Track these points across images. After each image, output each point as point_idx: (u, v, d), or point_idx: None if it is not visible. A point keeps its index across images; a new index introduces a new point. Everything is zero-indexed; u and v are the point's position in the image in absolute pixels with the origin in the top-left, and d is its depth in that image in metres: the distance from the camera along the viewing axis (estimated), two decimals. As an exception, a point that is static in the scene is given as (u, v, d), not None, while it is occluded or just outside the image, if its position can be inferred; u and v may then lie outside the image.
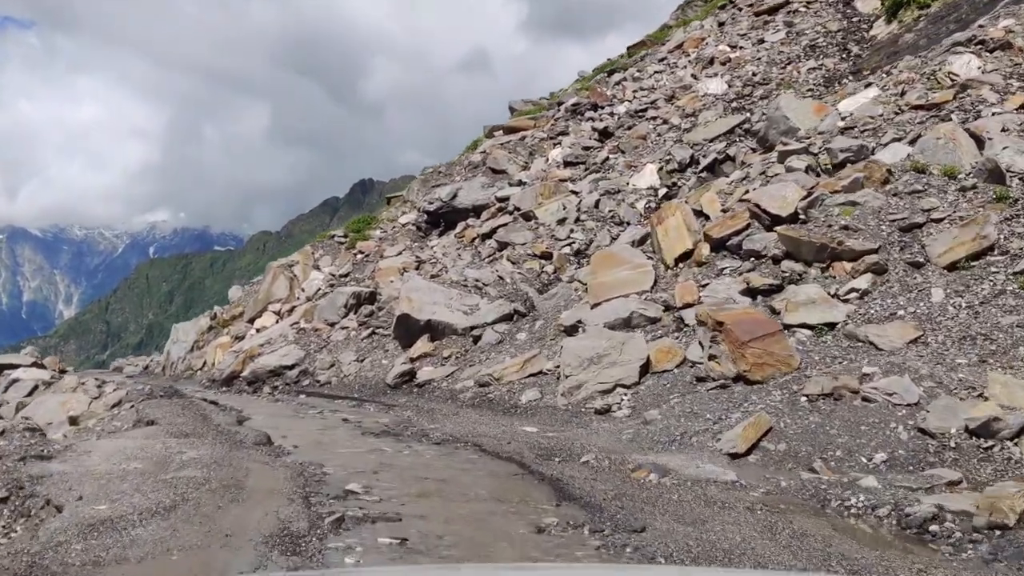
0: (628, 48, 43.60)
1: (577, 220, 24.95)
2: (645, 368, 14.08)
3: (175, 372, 36.90)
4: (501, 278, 22.29)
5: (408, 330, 21.33)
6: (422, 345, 20.69)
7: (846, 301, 13.13)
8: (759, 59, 30.74)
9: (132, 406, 16.85)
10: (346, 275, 31.97)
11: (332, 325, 25.73)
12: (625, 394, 13.65)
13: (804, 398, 10.82)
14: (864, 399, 10.33)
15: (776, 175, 17.52)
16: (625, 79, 35.37)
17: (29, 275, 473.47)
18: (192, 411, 15.80)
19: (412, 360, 20.49)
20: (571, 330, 16.86)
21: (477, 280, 22.39)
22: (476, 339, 20.15)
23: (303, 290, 34.41)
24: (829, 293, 13.45)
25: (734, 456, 9.99)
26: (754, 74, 29.83)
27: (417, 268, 27.81)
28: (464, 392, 17.06)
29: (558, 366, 15.36)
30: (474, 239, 28.47)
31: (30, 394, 25.83)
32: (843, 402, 10.43)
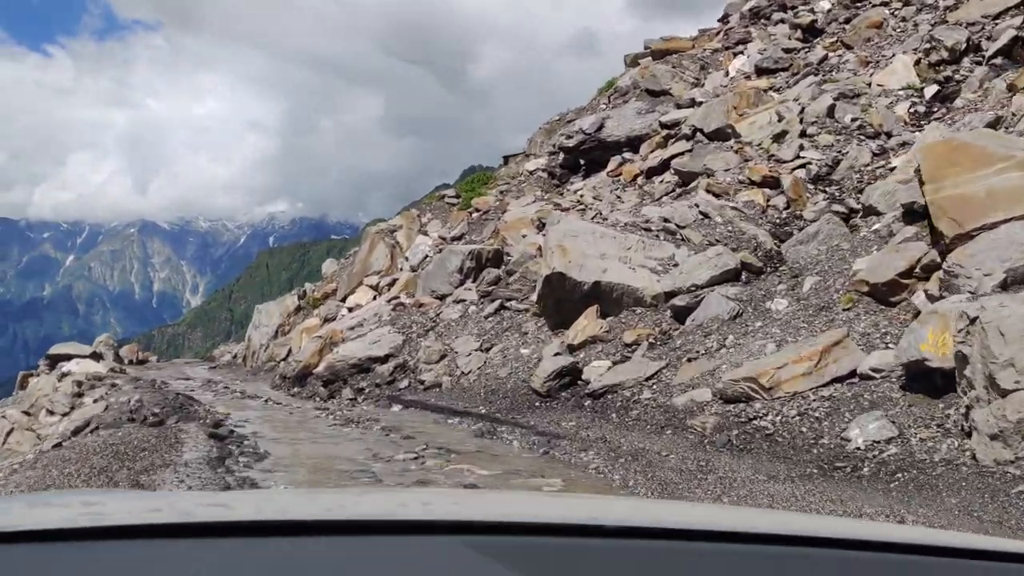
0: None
1: (804, 134, 16.16)
2: None
3: (256, 363, 29.84)
4: (705, 216, 13.71)
5: (561, 300, 13.10)
6: (587, 324, 12.40)
7: None
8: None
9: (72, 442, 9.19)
10: (459, 238, 24.06)
11: (442, 298, 17.79)
12: None
13: None
14: None
15: None
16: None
17: (158, 266, 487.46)
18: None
19: (572, 348, 12.26)
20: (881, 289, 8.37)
21: (667, 220, 13.88)
22: (680, 313, 11.76)
23: (406, 259, 26.71)
24: None
25: None
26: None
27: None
28: (693, 412, 8.65)
29: (924, 360, 6.83)
30: (636, 176, 20.03)
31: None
32: None
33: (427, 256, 25.57)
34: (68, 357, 27.21)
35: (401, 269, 26.77)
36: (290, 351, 27.97)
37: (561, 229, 13.51)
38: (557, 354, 12.15)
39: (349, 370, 16.16)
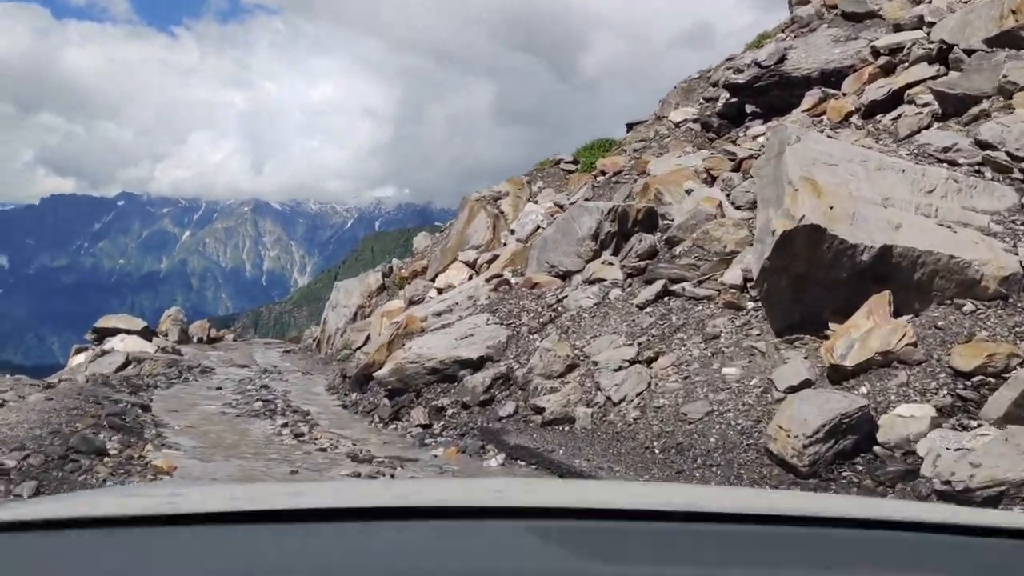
0: None
1: None
2: None
3: (331, 349, 24.68)
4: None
5: (807, 279, 6.98)
6: (869, 328, 6.27)
7: None
8: None
9: None
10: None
11: (566, 277, 11.90)
12: None
13: None
14: None
15: None
16: None
17: (269, 245, 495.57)
18: None
19: (839, 373, 6.21)
20: None
21: (990, 147, 7.56)
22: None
23: (512, 231, 20.98)
24: None
25: None
26: None
27: (738, 171, 13.43)
28: None
29: None
30: (849, 115, 13.69)
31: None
32: None
33: (539, 227, 19.78)
34: (116, 331, 22.39)
35: (505, 243, 21.13)
36: (368, 338, 22.61)
37: (806, 152, 7.29)
38: (805, 383, 6.11)
39: (425, 377, 10.43)
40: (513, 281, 12.98)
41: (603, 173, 20.22)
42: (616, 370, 8.30)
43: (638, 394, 7.77)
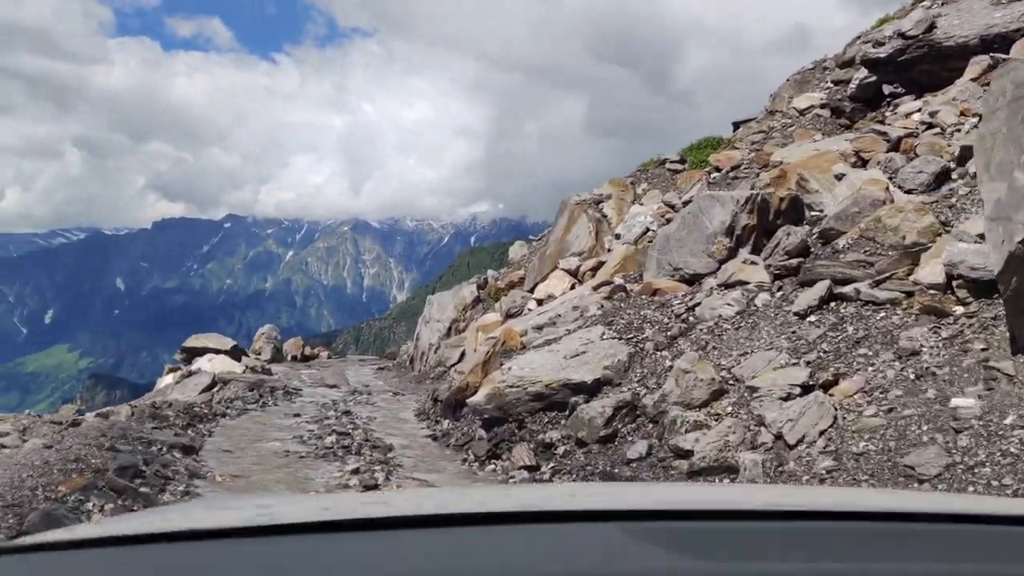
0: None
1: None
2: None
3: (425, 366, 23.18)
4: None
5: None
6: None
7: None
8: None
9: None
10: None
11: (693, 280, 9.84)
12: None
13: None
14: None
15: None
16: None
17: (369, 263, 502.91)
18: None
19: None
20: None
21: None
22: None
23: (617, 236, 19.14)
24: None
25: None
26: None
27: (897, 150, 11.10)
28: None
29: None
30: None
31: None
32: None
33: (647, 230, 17.78)
34: (205, 351, 21.32)
35: (609, 249, 19.21)
36: (463, 354, 20.93)
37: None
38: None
39: (528, 404, 8.53)
40: (629, 287, 10.96)
41: (717, 169, 18.20)
42: (784, 399, 6.22)
43: (822, 433, 5.68)
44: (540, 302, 18.80)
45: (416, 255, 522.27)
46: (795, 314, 7.71)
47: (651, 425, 7.20)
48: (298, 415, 11.91)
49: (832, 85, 18.68)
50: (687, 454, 6.21)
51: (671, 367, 7.85)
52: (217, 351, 20.90)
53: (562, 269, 19.23)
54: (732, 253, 9.85)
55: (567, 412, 8.17)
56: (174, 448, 6.86)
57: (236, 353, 21.12)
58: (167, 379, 20.28)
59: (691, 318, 8.91)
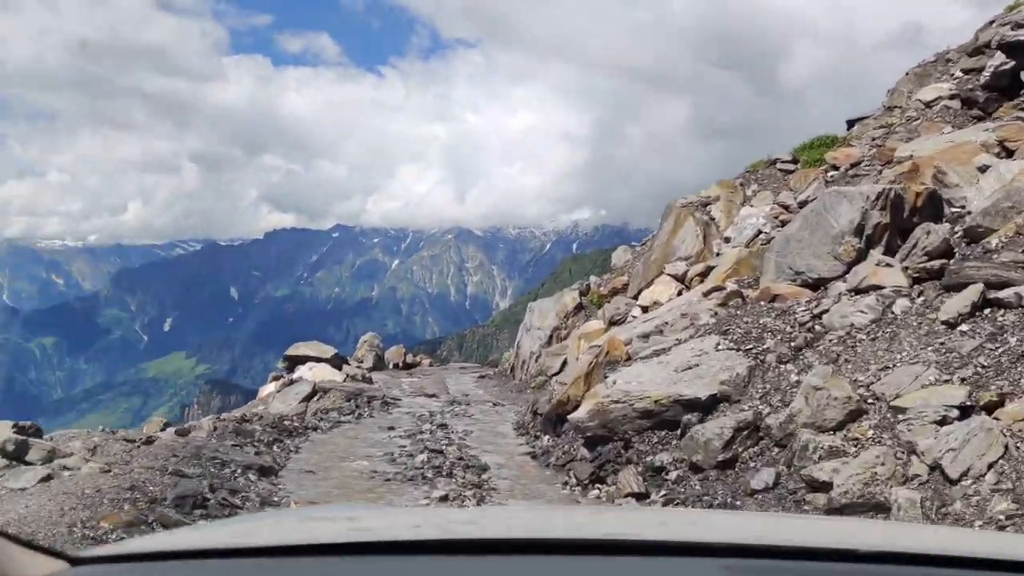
0: None
1: None
2: None
3: (526, 375, 22.62)
4: None
5: None
6: None
7: None
8: None
9: None
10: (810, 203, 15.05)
11: (817, 286, 8.87)
12: None
13: None
14: None
15: None
16: None
17: (472, 271, 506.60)
18: None
19: None
20: None
21: None
22: None
23: (726, 240, 18.18)
24: None
25: None
26: None
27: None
28: None
29: None
30: None
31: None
32: None
33: (760, 232, 16.76)
34: (306, 359, 21.29)
35: (718, 253, 18.26)
36: (564, 363, 20.26)
37: None
38: None
39: (635, 422, 7.76)
40: (746, 294, 10.05)
41: (835, 167, 17.09)
42: (939, 422, 5.29)
43: (991, 466, 4.74)
44: (645, 309, 17.93)
45: (518, 262, 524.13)
46: (943, 323, 6.72)
47: (777, 450, 6.34)
48: (392, 428, 11.42)
49: (962, 74, 17.24)
50: (824, 486, 5.34)
51: (798, 382, 6.96)
52: (318, 359, 20.78)
53: (668, 274, 18.32)
54: (862, 255, 8.85)
55: (679, 432, 7.37)
56: (250, 469, 6.37)
57: (337, 361, 20.96)
58: (269, 387, 20.27)
59: (817, 327, 7.97)
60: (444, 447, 9.32)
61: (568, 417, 8.95)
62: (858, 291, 8.11)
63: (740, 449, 6.55)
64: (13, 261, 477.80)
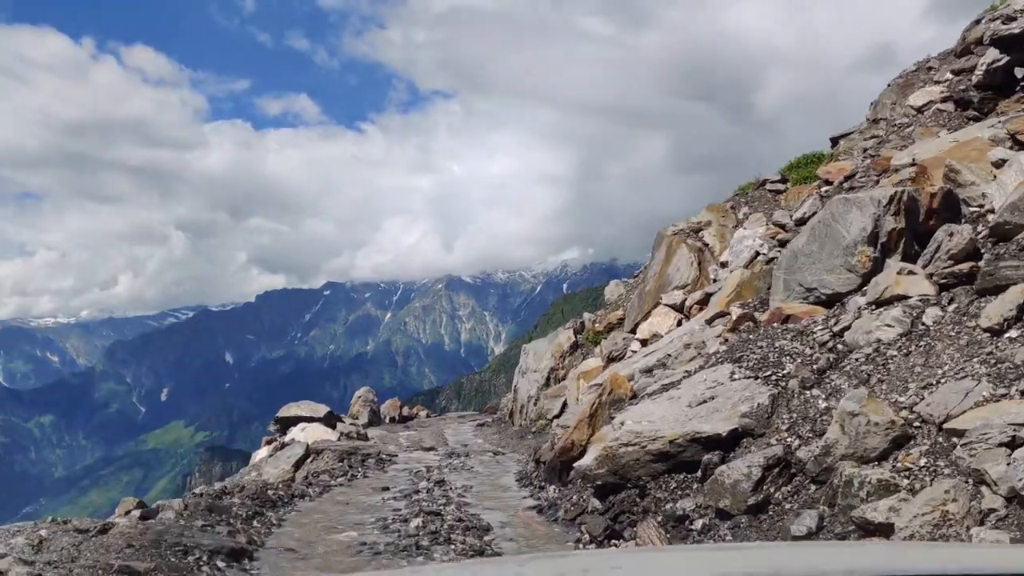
0: None
1: None
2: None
3: (525, 420, 21.98)
4: None
5: None
6: None
7: None
8: None
9: None
10: (809, 219, 14.49)
11: (831, 303, 8.13)
12: None
13: None
14: None
15: None
16: None
17: (464, 318, 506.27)
18: None
19: None
20: None
21: None
22: None
23: (723, 264, 17.68)
24: None
25: None
26: None
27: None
28: None
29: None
30: None
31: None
32: None
33: (758, 254, 16.15)
34: (297, 420, 20.48)
35: (715, 279, 17.68)
36: (564, 405, 19.55)
37: None
38: None
39: (649, 466, 6.95)
40: (758, 317, 9.30)
41: (827, 182, 16.52)
42: (1008, 444, 4.51)
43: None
44: (644, 342, 17.19)
45: (510, 306, 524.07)
46: (985, 330, 5.98)
47: (814, 487, 5.55)
48: (386, 488, 10.55)
49: (952, 76, 16.75)
50: (881, 529, 4.53)
51: (827, 409, 6.19)
52: (310, 419, 19.98)
53: (665, 304, 17.62)
54: (878, 264, 8.13)
55: (700, 474, 6.56)
56: (219, 554, 5.51)
57: (331, 420, 20.16)
58: (262, 452, 19.38)
59: (839, 346, 7.22)
60: (442, 507, 8.47)
61: (574, 465, 8.13)
62: (880, 303, 7.37)
63: (772, 489, 5.76)
64: (7, 342, 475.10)
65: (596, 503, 7.45)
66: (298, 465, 15.83)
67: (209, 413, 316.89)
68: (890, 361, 6.39)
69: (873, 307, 7.40)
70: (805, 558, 1.44)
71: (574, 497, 8.09)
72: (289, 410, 21.08)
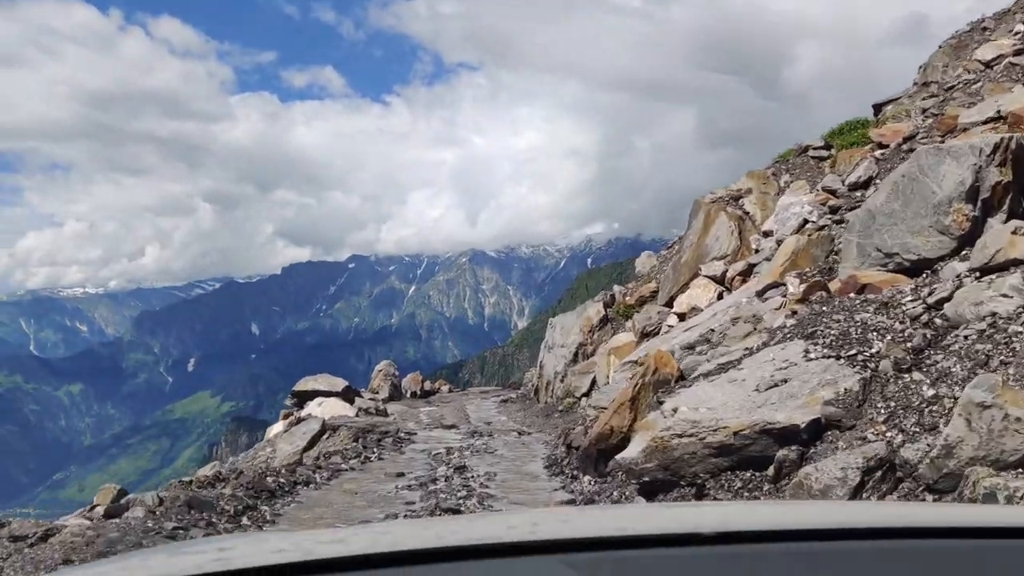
0: None
1: None
2: None
3: (551, 397, 20.81)
4: None
5: None
6: None
7: None
8: None
9: None
10: (865, 185, 13.29)
11: (917, 270, 6.90)
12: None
13: None
14: None
15: None
16: None
17: (488, 292, 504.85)
18: None
19: None
20: None
21: None
22: None
23: (766, 234, 16.33)
24: None
25: None
26: None
27: None
28: None
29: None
30: None
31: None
32: None
33: (806, 222, 14.81)
34: (315, 394, 19.50)
35: (757, 249, 16.38)
36: (593, 382, 18.35)
37: None
38: None
39: (708, 461, 5.77)
40: (832, 286, 8.04)
41: (882, 146, 15.09)
42: None
43: None
44: (682, 316, 15.96)
45: (533, 281, 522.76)
46: None
47: (931, 497, 4.35)
48: (401, 475, 9.46)
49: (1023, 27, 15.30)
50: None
51: (934, 396, 4.97)
52: (328, 393, 19.00)
53: (705, 276, 16.36)
54: (977, 225, 6.86)
55: (772, 472, 5.38)
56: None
57: (349, 394, 19.17)
58: (277, 427, 18.44)
59: (937, 320, 5.98)
60: (461, 501, 7.36)
61: (616, 456, 6.95)
62: (988, 270, 6.11)
63: (873, 496, 4.57)
64: (37, 311, 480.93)
65: (642, 502, 6.29)
66: (313, 442, 14.89)
67: (235, 384, 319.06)
68: (1014, 339, 5.15)
69: (979, 274, 6.14)
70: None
71: (614, 493, 6.94)
72: (307, 384, 20.10)
